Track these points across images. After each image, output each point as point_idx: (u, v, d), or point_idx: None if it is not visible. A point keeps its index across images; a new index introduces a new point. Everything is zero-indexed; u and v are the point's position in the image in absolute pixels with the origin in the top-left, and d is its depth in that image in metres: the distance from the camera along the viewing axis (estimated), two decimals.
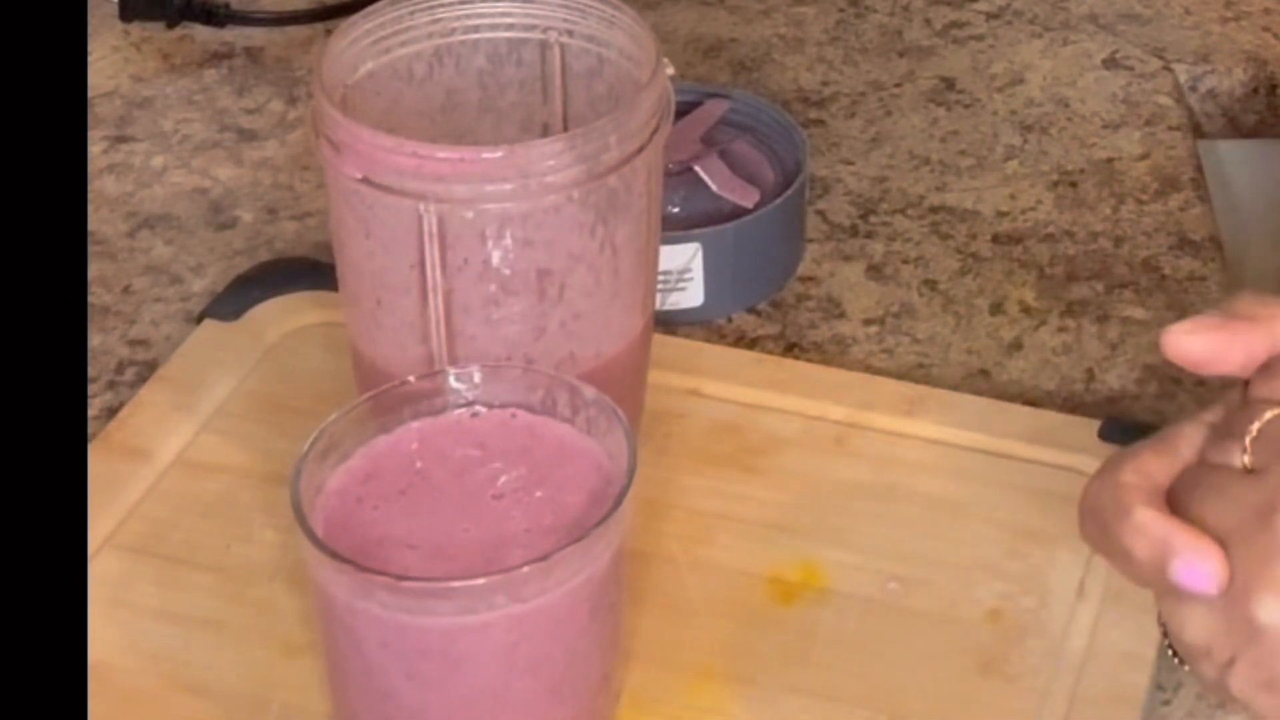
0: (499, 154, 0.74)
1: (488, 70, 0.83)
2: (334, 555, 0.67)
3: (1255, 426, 0.64)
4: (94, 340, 0.95)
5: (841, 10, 1.20)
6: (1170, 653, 0.67)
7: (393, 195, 0.75)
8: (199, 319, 0.94)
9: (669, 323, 0.94)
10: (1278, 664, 0.62)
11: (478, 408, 0.73)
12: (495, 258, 0.76)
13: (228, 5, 1.18)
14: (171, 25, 1.18)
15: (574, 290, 0.78)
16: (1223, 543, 0.63)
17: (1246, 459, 0.64)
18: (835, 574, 0.80)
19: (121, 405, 0.89)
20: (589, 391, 0.72)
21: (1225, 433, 0.65)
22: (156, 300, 0.98)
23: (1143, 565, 0.64)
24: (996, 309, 0.97)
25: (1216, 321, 0.66)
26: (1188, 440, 0.67)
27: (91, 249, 1.01)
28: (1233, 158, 1.20)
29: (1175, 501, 0.65)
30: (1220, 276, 0.99)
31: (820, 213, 1.03)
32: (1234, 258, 1.05)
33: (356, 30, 0.80)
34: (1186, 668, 0.66)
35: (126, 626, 0.78)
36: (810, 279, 0.99)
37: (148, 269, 1.00)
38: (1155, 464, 0.66)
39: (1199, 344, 0.66)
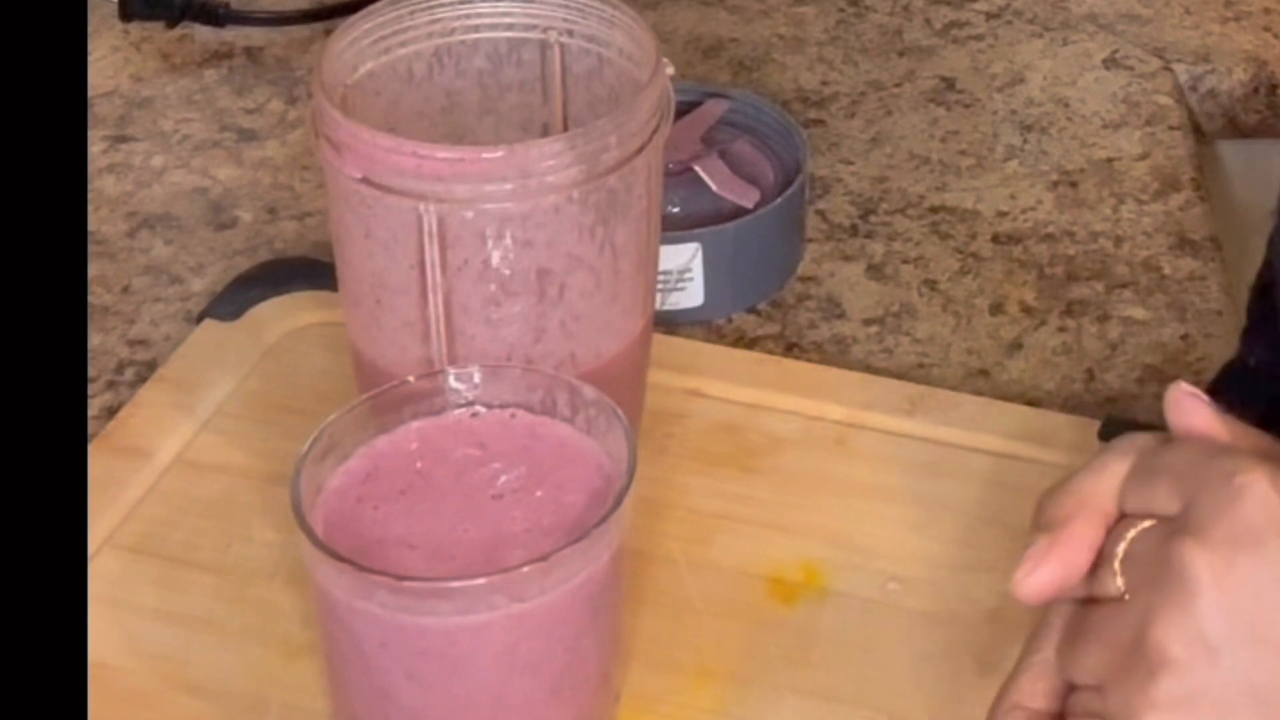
0: (499, 154, 0.74)
1: (488, 70, 0.83)
2: (334, 555, 0.67)
3: (1120, 548, 0.64)
4: (94, 340, 0.95)
5: (841, 10, 1.20)
6: None
7: (393, 195, 0.75)
8: (199, 319, 0.94)
9: (669, 323, 0.94)
10: None
11: (478, 408, 0.73)
12: (495, 258, 0.76)
13: (228, 5, 1.18)
14: (171, 25, 1.18)
15: (574, 290, 0.78)
16: (1102, 685, 0.63)
17: (1119, 582, 0.64)
18: (835, 574, 0.80)
19: (121, 405, 0.89)
20: (589, 391, 0.72)
21: (1100, 561, 0.65)
22: (156, 300, 0.98)
23: None
24: (996, 309, 0.97)
25: (1045, 546, 0.66)
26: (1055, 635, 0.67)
27: (91, 249, 1.01)
28: (1233, 158, 1.20)
29: (1063, 653, 0.66)
30: (1220, 276, 0.99)
31: (820, 213, 1.03)
32: (1234, 258, 1.05)
33: (356, 30, 0.80)
34: None
35: (126, 626, 0.78)
36: (810, 279, 0.99)
37: (148, 269, 1.00)
38: (1029, 690, 0.67)
39: (1044, 576, 0.66)
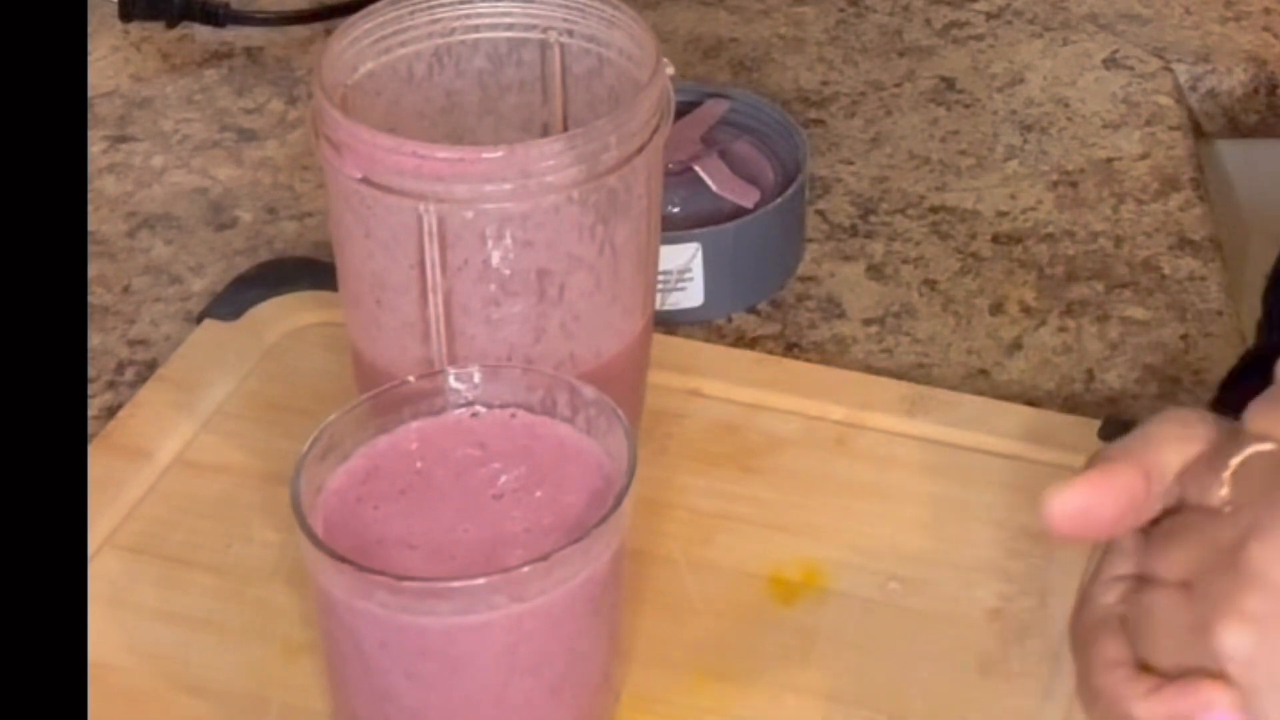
0: (499, 154, 0.74)
1: (488, 70, 0.83)
2: (334, 555, 0.67)
3: (1236, 461, 0.64)
4: (94, 340, 0.95)
5: (841, 10, 1.20)
6: None
7: (393, 195, 0.75)
8: (199, 319, 0.94)
9: (669, 323, 0.94)
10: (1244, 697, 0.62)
11: (478, 408, 0.73)
12: (495, 258, 0.76)
13: (228, 5, 1.18)
14: (171, 25, 1.18)
15: (574, 290, 0.78)
16: (1189, 583, 0.63)
17: (1224, 491, 0.64)
18: (835, 574, 0.80)
19: (121, 405, 0.89)
20: (589, 391, 0.72)
21: (1205, 467, 0.65)
22: (156, 300, 0.98)
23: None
24: (996, 309, 0.97)
25: (1083, 474, 0.66)
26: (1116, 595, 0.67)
27: (91, 249, 1.01)
28: (1233, 158, 1.20)
29: (1151, 548, 0.65)
30: (1220, 276, 0.99)
31: (820, 213, 1.03)
32: (1234, 258, 1.05)
33: (356, 30, 0.80)
34: None
35: (126, 626, 0.78)
36: (810, 279, 0.99)
37: (148, 269, 1.00)
38: (1116, 650, 0.66)
39: (1074, 496, 0.65)
